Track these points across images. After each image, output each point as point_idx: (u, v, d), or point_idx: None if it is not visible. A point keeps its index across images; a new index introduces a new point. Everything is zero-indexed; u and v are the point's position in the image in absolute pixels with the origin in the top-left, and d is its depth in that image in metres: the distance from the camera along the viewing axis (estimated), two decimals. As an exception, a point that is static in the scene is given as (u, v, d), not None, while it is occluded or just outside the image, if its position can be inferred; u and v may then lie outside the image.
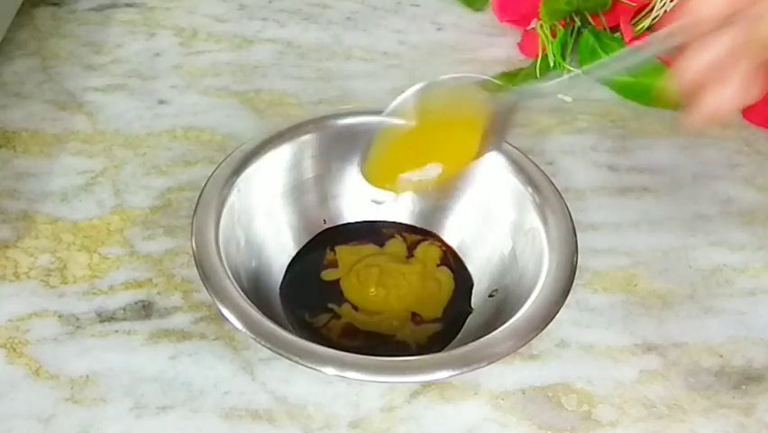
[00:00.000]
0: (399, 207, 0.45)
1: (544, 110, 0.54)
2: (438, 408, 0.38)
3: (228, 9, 0.61)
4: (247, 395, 0.38)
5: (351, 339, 0.40)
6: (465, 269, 0.43)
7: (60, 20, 0.58)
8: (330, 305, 0.41)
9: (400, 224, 0.45)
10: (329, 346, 0.34)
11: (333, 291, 0.42)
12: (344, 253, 0.43)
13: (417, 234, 0.44)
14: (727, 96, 0.31)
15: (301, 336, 0.34)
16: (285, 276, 0.42)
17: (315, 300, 0.41)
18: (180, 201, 0.46)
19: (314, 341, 0.34)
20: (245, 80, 0.55)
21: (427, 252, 0.43)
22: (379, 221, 0.45)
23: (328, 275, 0.42)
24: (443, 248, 0.43)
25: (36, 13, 0.59)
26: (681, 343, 0.41)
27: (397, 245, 0.44)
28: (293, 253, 0.43)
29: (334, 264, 0.43)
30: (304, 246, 0.43)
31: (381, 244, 0.44)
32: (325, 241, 0.44)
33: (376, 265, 0.42)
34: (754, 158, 0.51)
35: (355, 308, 0.41)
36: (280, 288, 0.41)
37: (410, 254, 0.43)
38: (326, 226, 0.44)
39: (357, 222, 0.45)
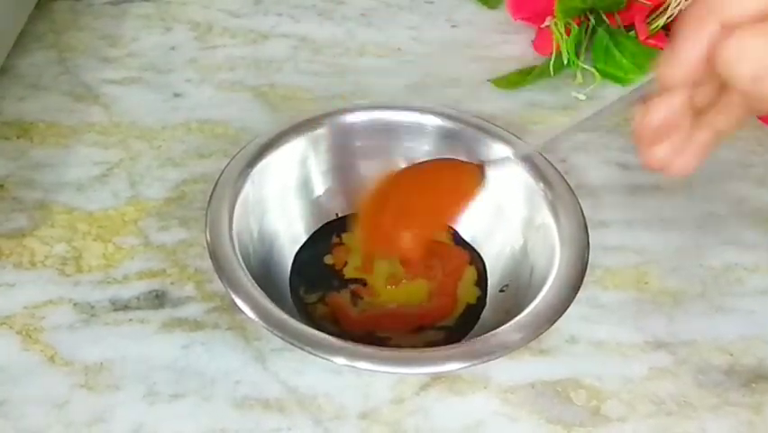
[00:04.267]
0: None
1: (557, 108, 0.54)
2: (447, 400, 0.38)
3: (243, 4, 0.61)
4: (258, 385, 0.38)
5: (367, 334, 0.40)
6: (482, 262, 0.43)
7: (78, 13, 0.59)
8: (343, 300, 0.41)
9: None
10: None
11: (338, 284, 0.42)
12: (349, 239, 0.43)
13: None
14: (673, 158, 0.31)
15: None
16: (293, 264, 0.42)
17: (324, 294, 0.41)
18: (194, 193, 0.46)
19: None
20: (260, 75, 0.55)
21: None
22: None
23: (329, 259, 0.43)
24: (452, 230, 0.44)
25: (54, 7, 0.59)
26: (691, 341, 0.41)
27: None
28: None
29: (339, 250, 0.43)
30: (312, 235, 0.43)
31: None
32: (334, 229, 0.44)
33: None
34: (767, 158, 0.51)
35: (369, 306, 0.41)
36: (289, 277, 0.42)
37: None
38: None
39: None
